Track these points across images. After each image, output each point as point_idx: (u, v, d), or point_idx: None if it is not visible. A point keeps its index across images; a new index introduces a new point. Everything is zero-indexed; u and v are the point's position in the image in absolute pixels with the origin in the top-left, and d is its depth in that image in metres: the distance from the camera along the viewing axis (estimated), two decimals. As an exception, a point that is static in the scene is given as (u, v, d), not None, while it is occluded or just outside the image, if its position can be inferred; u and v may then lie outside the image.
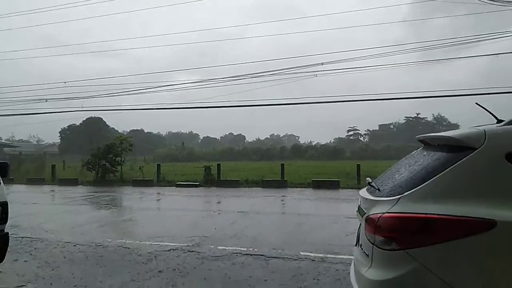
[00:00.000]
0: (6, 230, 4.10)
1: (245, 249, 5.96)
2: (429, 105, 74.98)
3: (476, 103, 2.68)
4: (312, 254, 5.57)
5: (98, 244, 6.40)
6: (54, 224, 8.44)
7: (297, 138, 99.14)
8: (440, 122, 71.91)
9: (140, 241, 6.62)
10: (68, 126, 66.42)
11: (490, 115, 2.45)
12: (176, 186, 17.49)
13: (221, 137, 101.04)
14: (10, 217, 4.16)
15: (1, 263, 4.11)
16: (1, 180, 4.15)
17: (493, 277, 1.85)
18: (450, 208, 1.93)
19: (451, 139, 2.24)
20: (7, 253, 4.15)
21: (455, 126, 60.79)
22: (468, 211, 1.88)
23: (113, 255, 5.72)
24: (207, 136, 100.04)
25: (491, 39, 17.31)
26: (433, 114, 73.47)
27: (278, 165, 19.43)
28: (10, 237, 4.20)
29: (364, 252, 2.28)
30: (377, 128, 78.71)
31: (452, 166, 2.03)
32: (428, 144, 2.66)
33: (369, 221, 2.19)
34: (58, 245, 6.40)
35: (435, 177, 2.04)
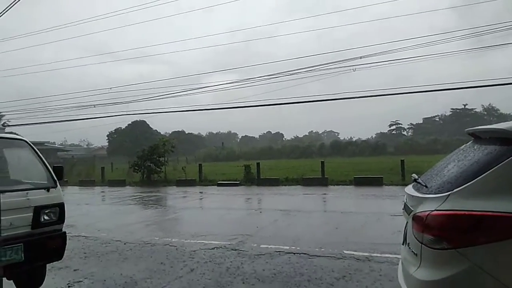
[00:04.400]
0: (63, 230, 4.39)
1: (288, 247, 5.96)
2: (478, 95, 70.78)
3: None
4: (357, 253, 5.47)
5: (147, 242, 6.68)
6: (105, 224, 8.93)
7: (336, 134, 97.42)
8: (491, 113, 67.57)
9: (185, 240, 6.82)
10: (115, 130, 69.60)
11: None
12: (217, 185, 17.84)
13: (259, 136, 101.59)
14: (66, 217, 4.45)
15: (60, 260, 4.40)
16: (58, 182, 4.43)
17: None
18: (505, 204, 1.82)
19: (505, 131, 2.11)
20: (65, 251, 4.44)
21: (508, 117, 56.82)
22: (525, 208, 1.77)
23: (160, 253, 5.94)
24: (246, 135, 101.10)
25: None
26: (482, 105, 69.17)
27: (318, 163, 19.22)
28: (66, 236, 4.49)
29: (412, 251, 2.21)
30: (421, 121, 75.44)
31: (506, 161, 1.92)
32: (479, 138, 2.52)
33: (417, 219, 2.12)
34: (110, 243, 6.76)
35: (487, 172, 1.94)
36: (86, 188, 19.96)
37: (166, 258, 5.62)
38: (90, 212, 11.37)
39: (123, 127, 67.41)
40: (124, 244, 6.66)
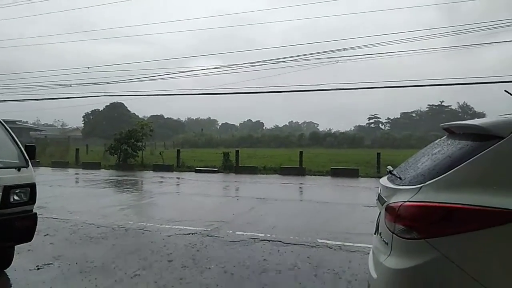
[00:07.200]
0: (34, 211, 4.26)
1: (263, 235, 6.02)
2: (454, 93, 72.71)
3: (505, 91, 2.58)
4: (330, 242, 5.58)
5: (120, 227, 6.59)
6: (78, 206, 8.73)
7: (316, 125, 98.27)
8: (465, 110, 69.69)
9: (160, 225, 6.78)
10: (91, 111, 67.81)
11: (520, 103, 2.36)
12: (195, 172, 17.74)
13: (239, 124, 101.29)
14: (38, 199, 4.32)
15: (30, 242, 4.29)
16: (29, 162, 4.30)
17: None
18: (474, 198, 1.88)
19: (478, 127, 2.17)
20: (35, 233, 4.32)
21: (481, 115, 58.82)
22: (492, 202, 1.84)
23: (133, 238, 5.89)
24: (226, 122, 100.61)
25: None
26: (458, 102, 71.21)
27: (296, 153, 19.39)
28: (37, 218, 4.37)
29: (384, 240, 2.27)
30: (398, 116, 77.08)
31: (478, 155, 1.97)
32: (453, 133, 2.59)
33: (390, 210, 2.17)
34: (82, 226, 6.63)
35: (459, 166, 1.99)
36: (59, 170, 19.43)
37: (139, 243, 5.57)
38: (62, 194, 11.09)
39: (101, 108, 65.79)
40: (97, 227, 6.55)
